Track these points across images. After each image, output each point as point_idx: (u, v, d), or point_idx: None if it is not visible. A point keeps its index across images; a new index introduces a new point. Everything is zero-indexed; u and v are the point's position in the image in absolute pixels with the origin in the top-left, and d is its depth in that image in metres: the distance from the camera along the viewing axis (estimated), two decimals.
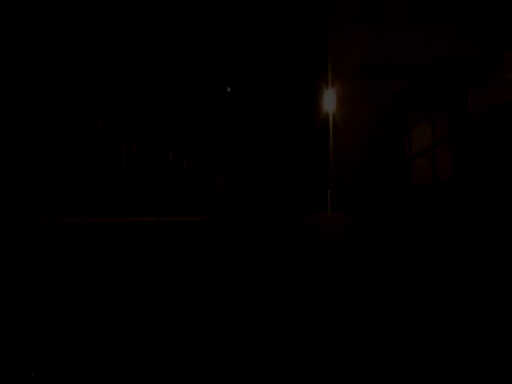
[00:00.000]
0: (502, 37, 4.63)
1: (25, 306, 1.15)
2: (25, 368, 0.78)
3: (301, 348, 0.76)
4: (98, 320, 0.99)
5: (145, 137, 12.58)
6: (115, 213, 10.72)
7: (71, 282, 1.48)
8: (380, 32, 14.14)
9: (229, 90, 19.71)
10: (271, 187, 27.80)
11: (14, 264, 1.98)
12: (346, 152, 14.74)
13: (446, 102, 8.67)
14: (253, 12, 21.66)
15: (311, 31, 25.73)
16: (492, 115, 4.13)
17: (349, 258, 1.94)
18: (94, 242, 3.18)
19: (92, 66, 10.26)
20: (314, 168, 32.39)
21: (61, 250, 2.61)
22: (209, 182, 18.60)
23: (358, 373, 0.66)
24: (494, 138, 4.17)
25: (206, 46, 16.57)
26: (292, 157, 29.36)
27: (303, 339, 0.81)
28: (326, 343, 0.79)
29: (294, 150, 29.90)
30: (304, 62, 25.19)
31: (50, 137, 8.16)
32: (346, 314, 0.96)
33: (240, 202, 23.25)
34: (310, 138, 30.15)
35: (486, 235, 3.27)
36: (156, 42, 13.73)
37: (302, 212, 28.86)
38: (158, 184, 13.52)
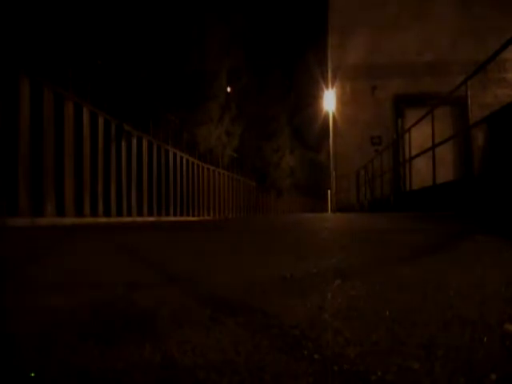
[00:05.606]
0: (501, 37, 4.58)
1: None
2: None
3: None
4: None
5: (145, 134, 12.54)
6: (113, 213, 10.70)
7: None
8: (380, 32, 14.10)
9: (229, 89, 19.69)
10: (271, 187, 27.77)
11: None
12: (346, 152, 14.72)
13: (447, 102, 8.66)
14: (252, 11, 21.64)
15: (310, 33, 25.69)
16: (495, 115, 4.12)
17: None
18: None
19: (91, 65, 10.25)
20: (314, 168, 32.35)
21: None
22: (209, 182, 18.57)
23: None
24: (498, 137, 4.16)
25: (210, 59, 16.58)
26: (293, 156, 29.31)
27: None
28: None
29: (295, 149, 29.85)
30: (302, 63, 25.12)
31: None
32: None
33: (241, 202, 23.24)
34: (311, 139, 30.10)
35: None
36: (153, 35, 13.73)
37: (302, 211, 28.81)
38: (158, 183, 13.50)
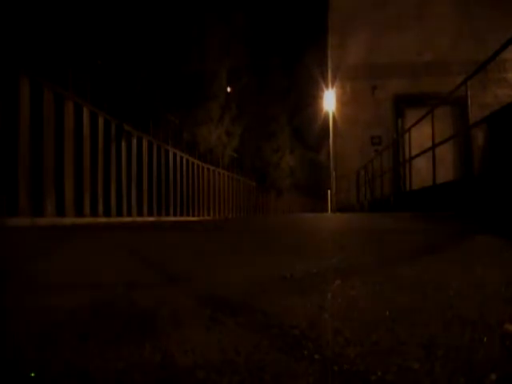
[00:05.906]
0: (501, 37, 4.59)
1: None
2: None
3: None
4: None
5: (145, 134, 12.53)
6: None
7: None
8: (380, 32, 14.09)
9: (229, 89, 19.69)
10: (270, 187, 27.76)
11: None
12: (346, 152, 14.72)
13: (447, 102, 8.66)
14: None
15: (310, 33, 25.66)
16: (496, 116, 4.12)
17: None
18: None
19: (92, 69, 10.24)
20: (314, 168, 32.34)
21: None
22: (209, 182, 18.57)
23: None
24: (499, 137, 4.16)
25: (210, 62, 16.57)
26: (293, 156, 29.29)
27: None
28: None
29: (295, 149, 29.83)
30: (302, 63, 25.11)
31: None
32: None
33: (241, 202, 23.23)
34: (311, 139, 30.09)
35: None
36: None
37: (302, 212, 28.80)
38: (158, 183, 13.49)
